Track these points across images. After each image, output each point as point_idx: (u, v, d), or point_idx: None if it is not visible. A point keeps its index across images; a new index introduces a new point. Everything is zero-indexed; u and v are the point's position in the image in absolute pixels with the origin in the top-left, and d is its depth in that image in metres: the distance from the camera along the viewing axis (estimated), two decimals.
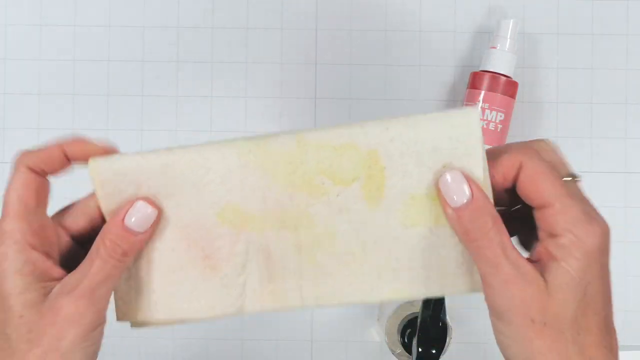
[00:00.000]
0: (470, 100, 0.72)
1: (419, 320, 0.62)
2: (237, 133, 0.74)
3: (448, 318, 0.63)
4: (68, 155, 0.47)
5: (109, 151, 0.47)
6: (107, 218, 0.45)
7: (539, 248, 0.42)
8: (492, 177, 0.42)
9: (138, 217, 0.44)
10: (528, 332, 0.41)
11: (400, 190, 0.44)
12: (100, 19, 0.76)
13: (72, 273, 0.44)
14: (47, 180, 0.46)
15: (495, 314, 0.42)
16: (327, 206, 0.45)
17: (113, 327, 0.48)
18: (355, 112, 0.75)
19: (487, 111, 0.71)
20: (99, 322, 0.44)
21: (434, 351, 0.61)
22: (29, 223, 0.44)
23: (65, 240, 0.46)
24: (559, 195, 0.42)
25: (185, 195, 0.45)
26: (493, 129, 0.71)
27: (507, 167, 0.42)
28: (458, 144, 0.43)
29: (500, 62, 0.72)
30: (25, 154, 0.45)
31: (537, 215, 0.42)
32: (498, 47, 0.72)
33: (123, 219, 0.44)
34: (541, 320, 0.41)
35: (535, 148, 0.43)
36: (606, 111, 0.76)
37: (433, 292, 0.45)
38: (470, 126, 0.43)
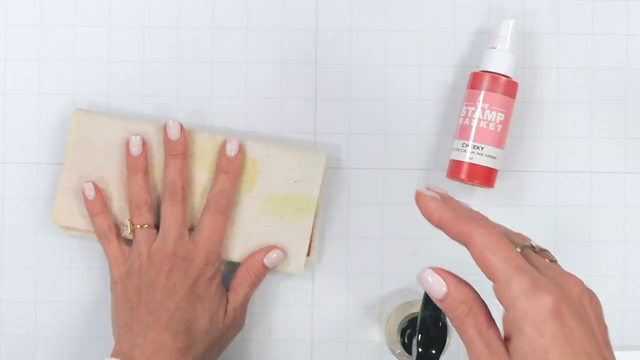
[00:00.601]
0: (470, 101, 0.72)
1: (419, 320, 0.62)
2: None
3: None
4: None
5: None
6: (67, 158, 0.73)
7: (503, 323, 0.46)
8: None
9: (276, 258, 0.72)
10: None
11: (263, 190, 0.71)
12: (100, 19, 0.76)
13: (231, 293, 0.72)
14: None
15: None
16: None
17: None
18: (355, 112, 0.75)
19: (487, 111, 0.71)
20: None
21: (434, 351, 0.61)
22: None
23: None
24: (504, 270, 0.44)
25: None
26: (493, 129, 0.71)
27: (458, 239, 0.47)
28: (308, 170, 0.71)
29: (500, 62, 0.72)
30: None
31: (493, 288, 0.45)
32: (498, 47, 0.72)
33: (263, 259, 0.71)
34: None
35: (484, 220, 0.47)
36: (606, 111, 0.76)
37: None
38: (318, 163, 0.72)
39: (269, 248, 0.71)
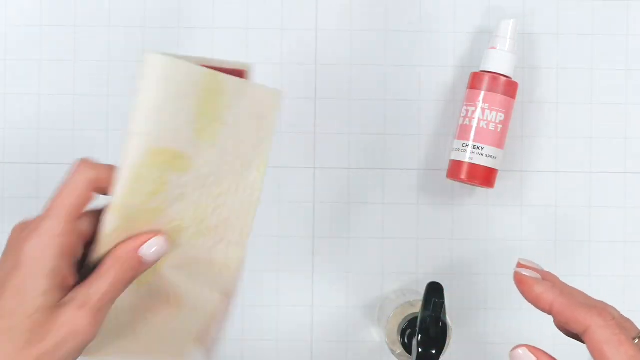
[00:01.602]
0: (470, 101, 0.72)
1: (419, 320, 0.62)
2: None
3: (448, 318, 0.63)
4: None
5: None
6: (147, 112, 0.46)
7: None
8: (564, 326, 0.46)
9: (155, 251, 0.47)
10: None
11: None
12: (100, 19, 0.76)
13: (81, 286, 0.46)
14: (94, 197, 0.47)
15: None
16: None
17: None
18: (355, 112, 0.75)
19: (487, 111, 0.71)
20: (94, 338, 0.46)
21: (434, 351, 0.61)
22: (73, 230, 0.46)
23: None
24: None
25: None
26: (493, 129, 0.71)
27: (570, 327, 0.45)
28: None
29: (500, 62, 0.72)
30: (88, 165, 0.47)
31: None
32: (498, 47, 0.72)
33: (138, 248, 0.47)
34: None
35: (601, 309, 0.46)
36: (606, 111, 0.76)
37: None
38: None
39: (149, 233, 0.48)
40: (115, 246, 0.47)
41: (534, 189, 0.75)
